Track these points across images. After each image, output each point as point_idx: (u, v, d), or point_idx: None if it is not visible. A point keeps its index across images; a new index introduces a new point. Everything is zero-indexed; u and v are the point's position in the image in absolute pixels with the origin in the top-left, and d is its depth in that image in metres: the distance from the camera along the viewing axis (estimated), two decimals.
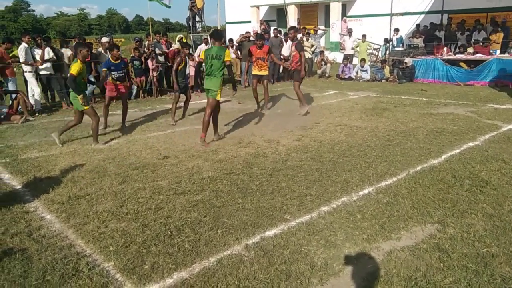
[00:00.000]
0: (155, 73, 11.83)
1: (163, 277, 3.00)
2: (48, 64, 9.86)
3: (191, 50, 13.63)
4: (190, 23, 17.41)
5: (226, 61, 6.39)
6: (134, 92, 11.59)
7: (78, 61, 6.36)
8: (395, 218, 3.80)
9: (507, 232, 3.50)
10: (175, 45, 13.06)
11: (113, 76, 7.66)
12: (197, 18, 17.70)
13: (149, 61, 11.67)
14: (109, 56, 7.74)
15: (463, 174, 4.88)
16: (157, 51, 12.03)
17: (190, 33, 17.40)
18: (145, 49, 11.95)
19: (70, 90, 6.49)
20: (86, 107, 6.51)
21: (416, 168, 5.13)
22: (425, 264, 3.07)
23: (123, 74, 7.81)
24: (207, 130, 6.58)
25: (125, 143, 6.79)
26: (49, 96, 10.79)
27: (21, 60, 9.41)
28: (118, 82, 7.76)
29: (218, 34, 6.87)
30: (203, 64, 6.91)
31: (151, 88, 11.97)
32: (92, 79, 10.21)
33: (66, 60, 10.39)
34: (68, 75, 6.28)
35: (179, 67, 8.05)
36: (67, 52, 10.53)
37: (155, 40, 12.36)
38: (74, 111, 6.80)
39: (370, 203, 4.15)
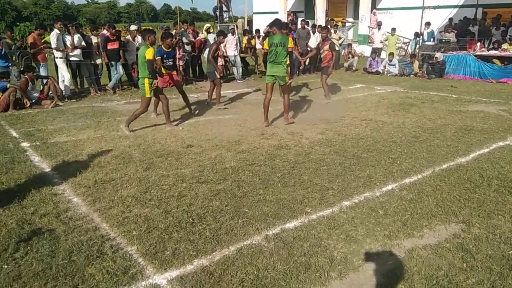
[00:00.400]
0: (181, 62, 11.92)
1: (183, 263, 3.06)
2: (78, 51, 10.07)
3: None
4: (217, 13, 17.42)
5: (289, 48, 6.90)
6: None
7: (150, 46, 6.57)
8: (418, 216, 3.75)
9: None
10: (202, 35, 13.11)
11: (164, 64, 7.79)
12: (224, 8, 17.69)
13: (176, 50, 11.76)
14: (162, 44, 7.85)
15: (491, 174, 4.75)
16: (184, 40, 12.11)
17: (217, 22, 17.43)
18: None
19: (140, 76, 6.67)
20: (149, 95, 6.71)
21: (442, 166, 5.02)
22: (447, 263, 3.02)
23: (173, 62, 8.02)
24: (288, 110, 7.36)
25: (150, 130, 6.89)
26: (78, 82, 11.03)
27: (53, 46, 9.64)
28: (168, 71, 7.89)
29: (279, 23, 7.27)
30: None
31: None
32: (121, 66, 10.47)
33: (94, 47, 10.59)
34: (146, 61, 6.44)
35: (215, 54, 8.38)
36: (94, 40, 10.71)
37: (183, 29, 12.42)
38: (141, 98, 6.96)
39: (393, 199, 4.09)
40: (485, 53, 12.83)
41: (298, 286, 2.79)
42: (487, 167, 4.97)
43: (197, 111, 8.30)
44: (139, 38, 11.52)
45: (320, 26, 14.62)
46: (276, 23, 7.18)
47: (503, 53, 12.49)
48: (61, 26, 10.02)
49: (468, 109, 8.32)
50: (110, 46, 10.40)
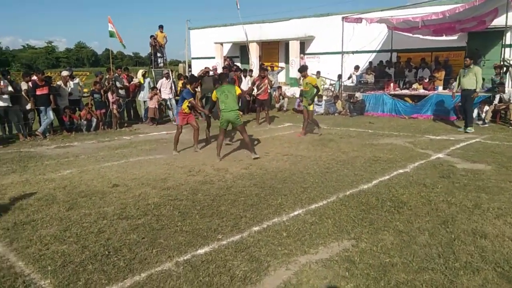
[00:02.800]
0: (115, 106, 12.11)
1: None
2: (5, 96, 9.97)
3: (152, 83, 14.10)
4: (152, 58, 17.95)
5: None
6: (94, 124, 11.79)
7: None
8: (316, 235, 4.22)
9: (410, 245, 3.97)
10: (136, 79, 13.45)
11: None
12: (159, 54, 18.26)
13: (109, 94, 11.97)
14: (190, 87, 8.79)
15: (386, 197, 5.39)
16: (118, 84, 12.38)
17: (152, 68, 17.90)
18: (106, 83, 12.28)
19: (235, 109, 7.75)
20: (241, 122, 7.99)
21: (346, 192, 5.61)
22: (333, 273, 3.47)
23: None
24: None
25: (78, 172, 6.99)
26: (6, 128, 10.82)
27: None
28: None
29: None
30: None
31: (110, 121, 12.19)
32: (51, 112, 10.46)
33: (23, 93, 10.50)
34: (237, 96, 7.83)
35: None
36: (23, 86, 10.62)
37: (116, 74, 12.71)
38: (240, 128, 7.99)
39: (297, 222, 4.56)
40: (398, 92, 14.26)
41: None
42: (383, 191, 5.62)
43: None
44: (71, 83, 11.66)
45: (251, 70, 15.58)
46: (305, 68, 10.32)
47: (413, 92, 13.97)
48: None
49: (379, 142, 9.22)
50: (39, 92, 10.42)
